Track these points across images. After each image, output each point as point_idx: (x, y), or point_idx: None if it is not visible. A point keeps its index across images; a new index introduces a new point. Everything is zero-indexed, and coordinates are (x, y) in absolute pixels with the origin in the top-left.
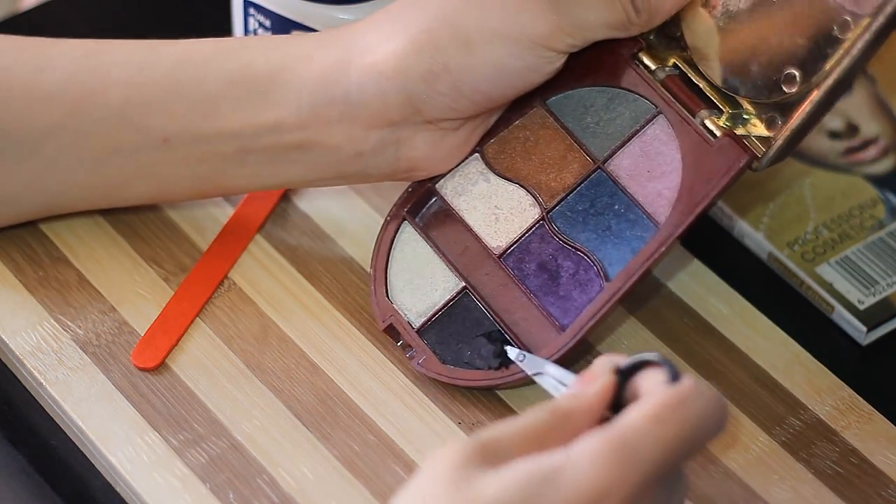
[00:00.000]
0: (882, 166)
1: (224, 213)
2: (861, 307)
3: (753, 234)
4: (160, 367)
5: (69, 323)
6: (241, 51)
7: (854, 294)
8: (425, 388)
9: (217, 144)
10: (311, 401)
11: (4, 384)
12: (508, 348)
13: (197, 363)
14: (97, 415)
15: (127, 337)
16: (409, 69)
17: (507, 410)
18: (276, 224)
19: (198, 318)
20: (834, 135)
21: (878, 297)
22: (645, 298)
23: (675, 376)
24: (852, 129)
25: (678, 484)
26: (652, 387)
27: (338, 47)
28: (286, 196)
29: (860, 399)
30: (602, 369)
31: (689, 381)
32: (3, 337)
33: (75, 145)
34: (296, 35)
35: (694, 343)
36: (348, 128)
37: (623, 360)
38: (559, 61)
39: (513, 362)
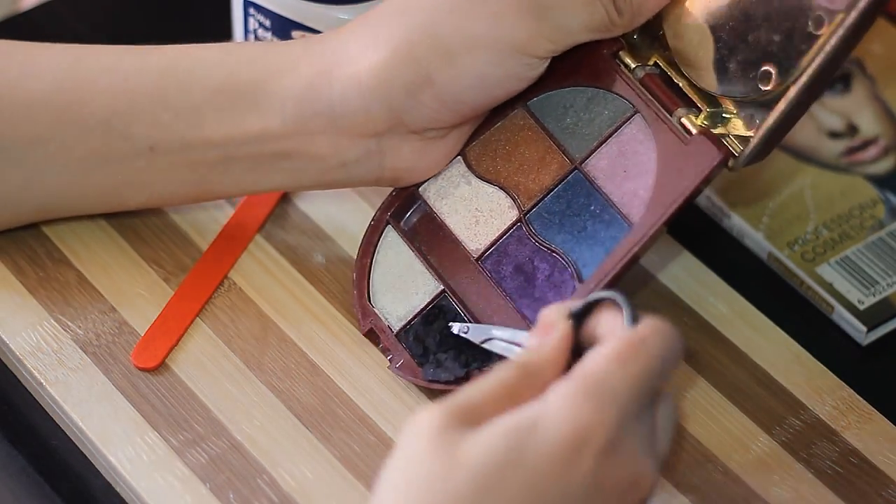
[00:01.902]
0: (882, 166)
1: (224, 213)
2: (861, 307)
3: (753, 234)
4: (160, 367)
5: (69, 323)
6: (226, 59)
7: (854, 294)
8: (426, 389)
9: (202, 152)
10: (311, 401)
11: (4, 384)
12: (452, 324)
13: (197, 363)
14: (97, 415)
15: (127, 337)
16: (391, 81)
17: None
18: (276, 224)
19: (198, 318)
20: (834, 135)
21: (878, 297)
22: (645, 298)
23: (634, 317)
24: (852, 129)
25: (648, 412)
26: (612, 328)
27: (321, 57)
28: (286, 196)
29: (860, 399)
30: (555, 318)
31: (648, 321)
32: (3, 337)
33: (61, 154)
34: (279, 43)
35: (694, 343)
36: (333, 138)
37: (575, 304)
38: (541, 67)
39: (478, 368)
